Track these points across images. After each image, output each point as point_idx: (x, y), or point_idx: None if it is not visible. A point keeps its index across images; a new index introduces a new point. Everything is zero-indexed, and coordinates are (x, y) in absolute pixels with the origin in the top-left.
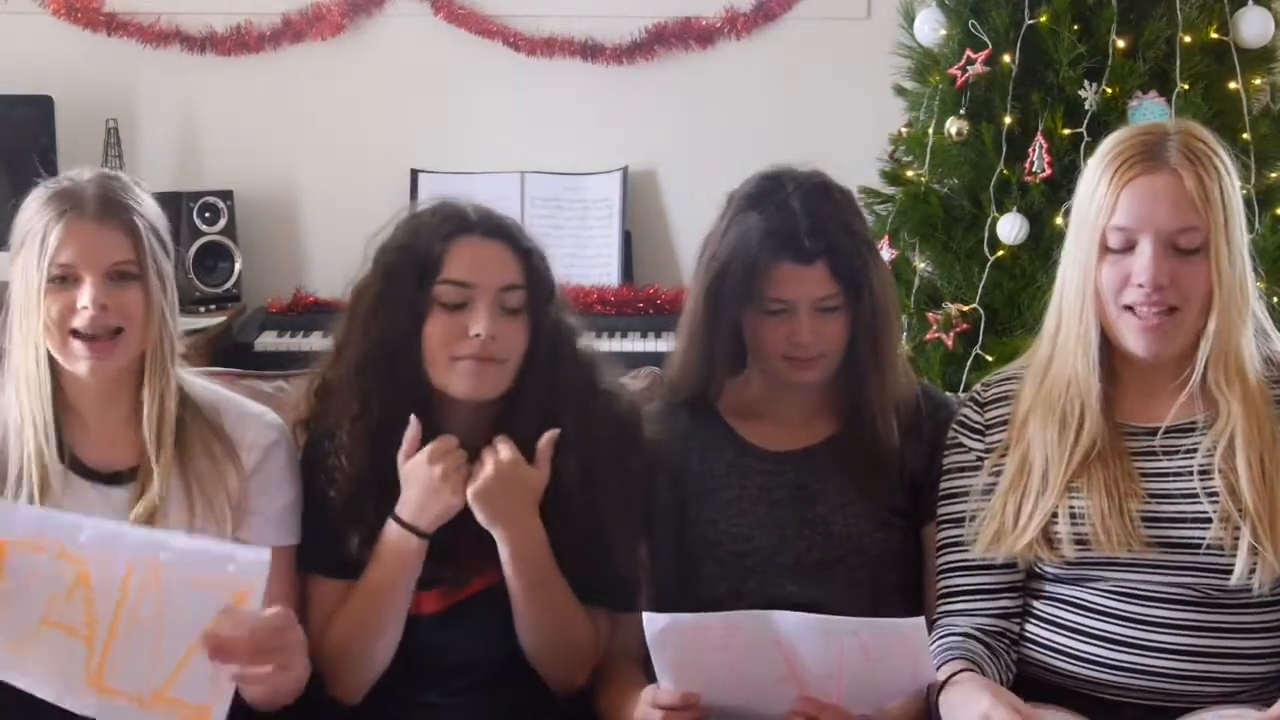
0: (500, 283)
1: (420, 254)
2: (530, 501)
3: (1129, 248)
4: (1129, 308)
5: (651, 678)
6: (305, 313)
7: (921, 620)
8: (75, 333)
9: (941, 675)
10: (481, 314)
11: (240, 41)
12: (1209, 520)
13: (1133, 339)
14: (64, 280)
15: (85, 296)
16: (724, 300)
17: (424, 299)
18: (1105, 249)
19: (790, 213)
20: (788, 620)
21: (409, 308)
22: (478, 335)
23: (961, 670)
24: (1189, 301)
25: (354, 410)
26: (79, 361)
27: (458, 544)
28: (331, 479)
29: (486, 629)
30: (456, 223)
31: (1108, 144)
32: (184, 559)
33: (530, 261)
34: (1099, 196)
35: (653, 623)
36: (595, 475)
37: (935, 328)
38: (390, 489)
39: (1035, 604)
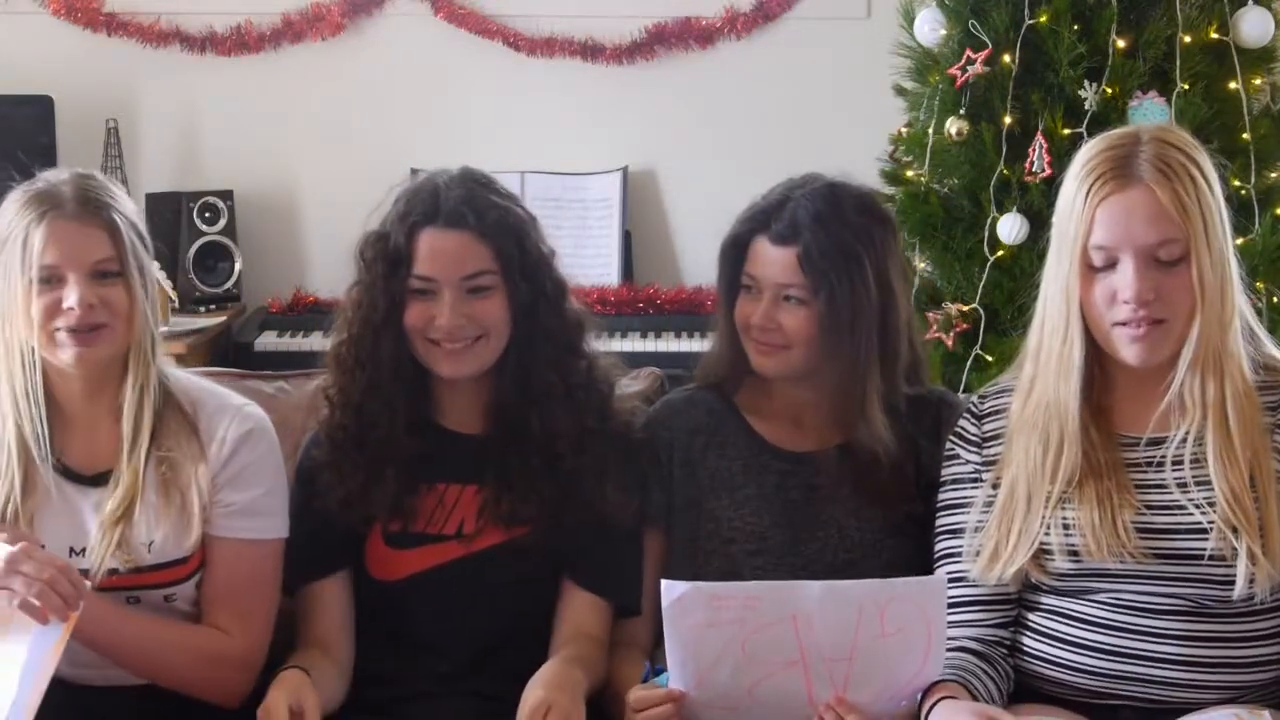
0: (461, 273)
1: (391, 245)
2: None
3: (1111, 265)
4: (1119, 322)
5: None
6: (305, 313)
7: (944, 578)
8: (59, 329)
9: (929, 699)
10: (445, 304)
11: (240, 41)
12: (1204, 530)
13: (1125, 350)
14: (48, 281)
15: (71, 296)
16: (722, 274)
17: (400, 288)
18: (1090, 267)
19: (786, 200)
20: (810, 591)
21: (387, 295)
22: (442, 324)
23: (944, 697)
24: (1176, 313)
25: (345, 381)
26: (65, 351)
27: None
28: (322, 441)
29: (460, 601)
30: (421, 213)
31: (1081, 158)
32: None
33: (497, 244)
34: (1076, 214)
35: (670, 590)
36: (582, 435)
37: (935, 328)
38: (372, 450)
39: (1030, 617)
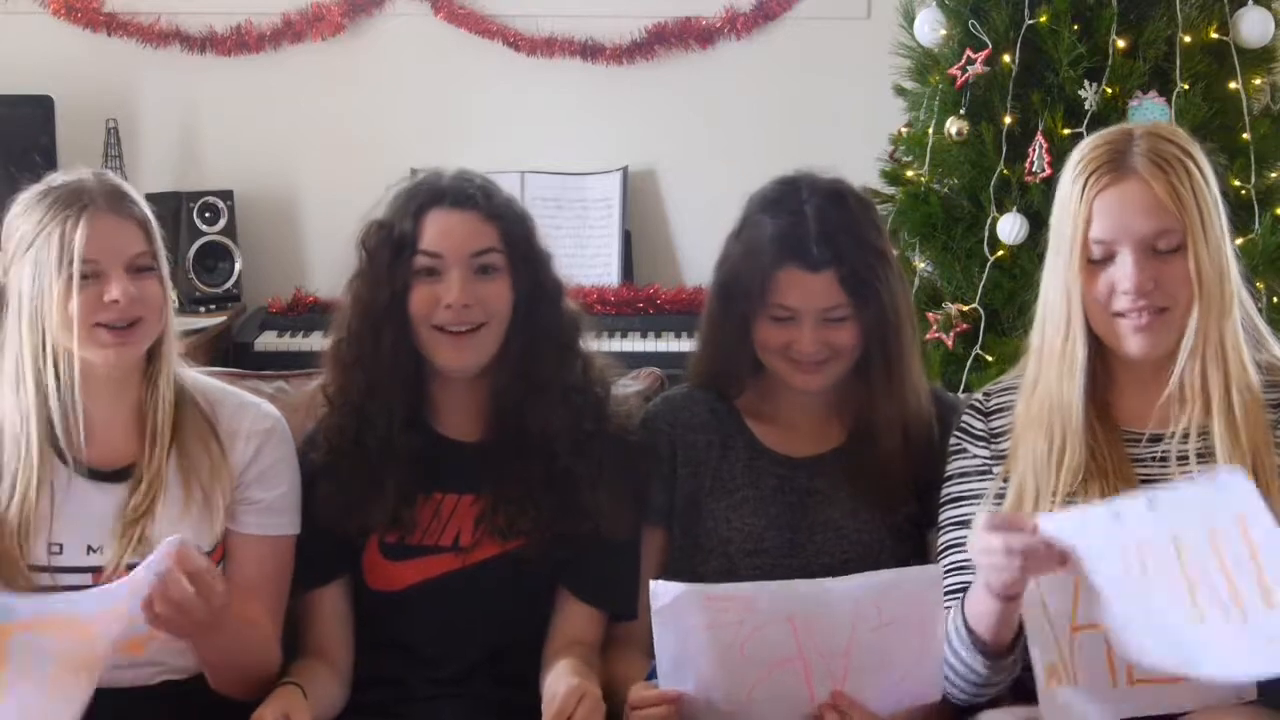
0: (470, 249)
1: (396, 230)
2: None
3: (1110, 258)
4: (1120, 313)
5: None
6: (305, 313)
7: (939, 568)
8: (99, 325)
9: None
10: (454, 282)
11: (240, 41)
12: None
13: (1127, 341)
14: (87, 276)
15: (114, 290)
16: (734, 301)
17: (404, 273)
18: (1089, 262)
19: (802, 218)
20: (806, 589)
21: (390, 283)
22: (449, 306)
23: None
24: (1176, 301)
25: (344, 379)
26: (105, 350)
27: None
28: (319, 443)
29: (457, 613)
30: (426, 195)
31: (1076, 154)
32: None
33: (503, 225)
34: (1073, 209)
35: (665, 593)
36: (579, 437)
37: (935, 328)
38: (369, 456)
39: None
